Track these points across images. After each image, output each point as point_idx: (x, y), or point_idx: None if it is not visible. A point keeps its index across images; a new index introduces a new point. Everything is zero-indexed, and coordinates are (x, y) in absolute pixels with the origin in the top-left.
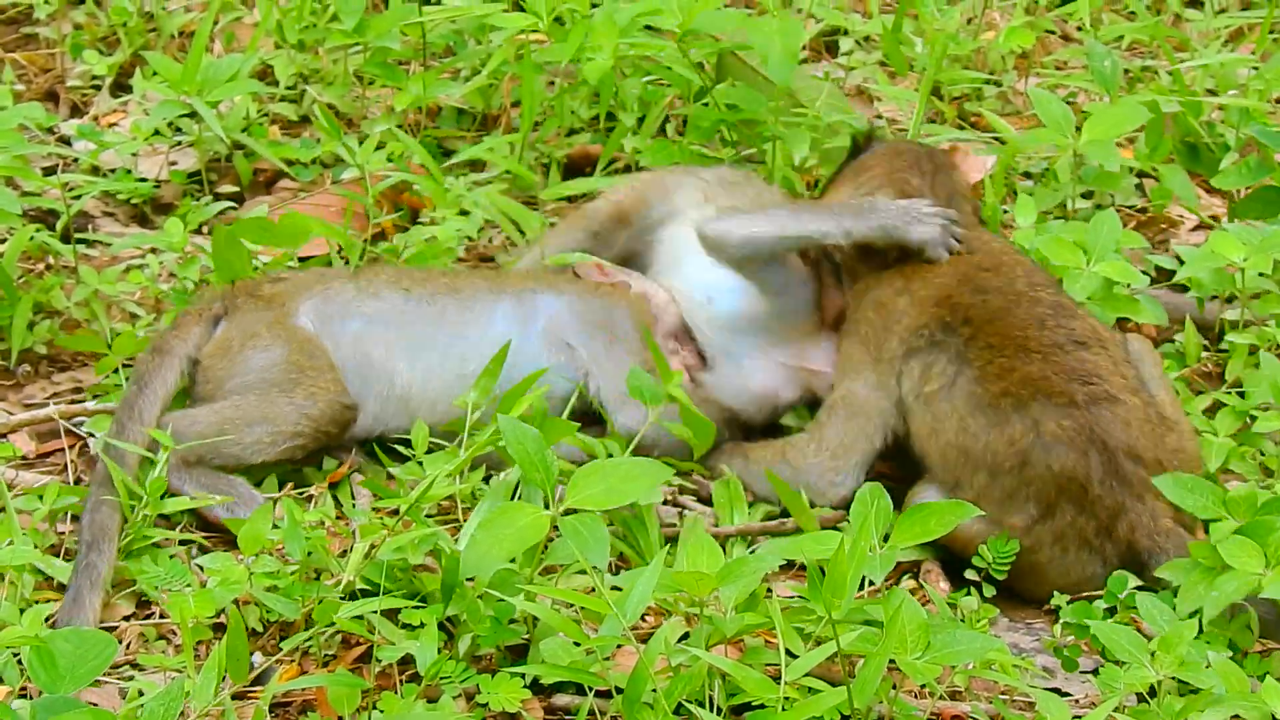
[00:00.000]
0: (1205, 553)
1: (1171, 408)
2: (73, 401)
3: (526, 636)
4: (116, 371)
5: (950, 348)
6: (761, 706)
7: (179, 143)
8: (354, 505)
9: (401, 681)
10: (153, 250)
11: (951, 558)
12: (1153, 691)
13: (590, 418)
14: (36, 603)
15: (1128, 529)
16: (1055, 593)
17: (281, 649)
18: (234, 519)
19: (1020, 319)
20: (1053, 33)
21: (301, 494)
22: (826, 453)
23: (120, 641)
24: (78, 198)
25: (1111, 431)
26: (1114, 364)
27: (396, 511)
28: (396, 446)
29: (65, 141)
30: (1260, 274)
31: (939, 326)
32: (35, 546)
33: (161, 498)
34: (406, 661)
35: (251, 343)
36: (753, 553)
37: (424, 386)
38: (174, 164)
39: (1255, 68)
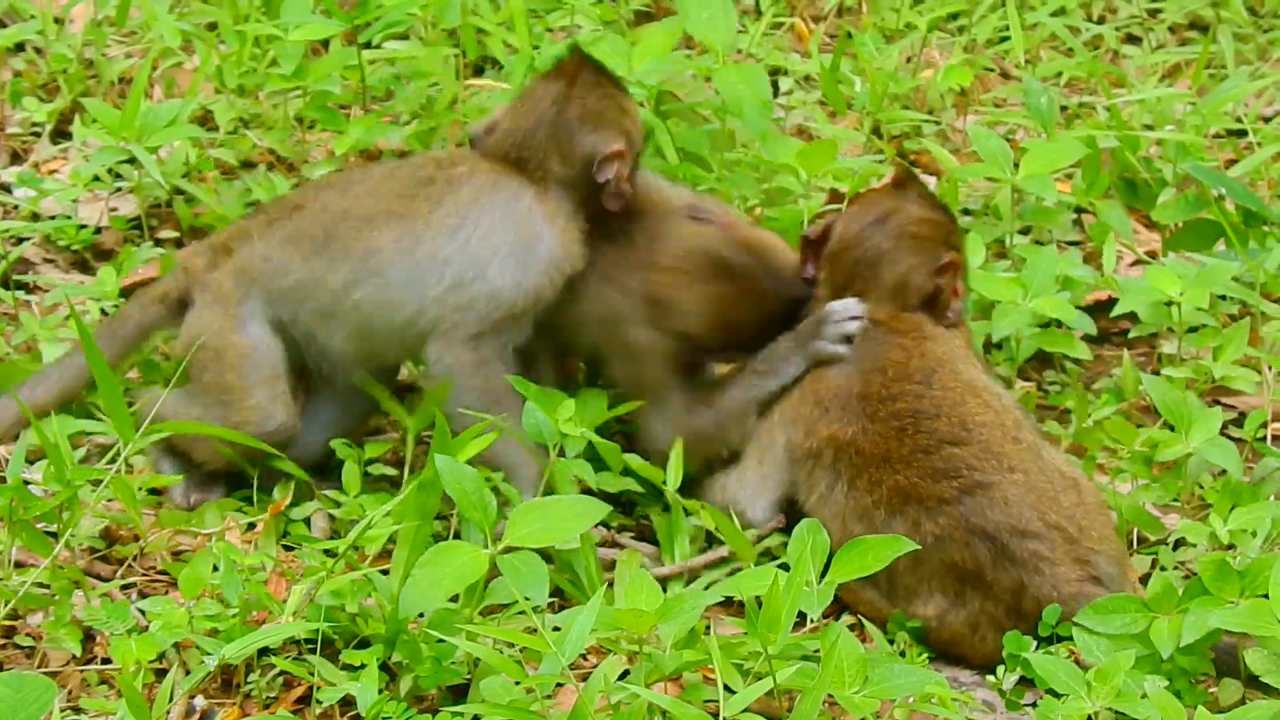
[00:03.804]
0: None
1: (1067, 468)
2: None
3: (467, 676)
4: None
5: (823, 466)
6: None
7: (119, 189)
8: (309, 531)
9: None
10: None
11: None
12: None
13: None
14: None
15: (1034, 603)
16: None
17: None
18: (184, 507)
19: (878, 435)
20: (991, 70)
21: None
22: (741, 490)
23: (63, 687)
24: (18, 244)
25: (990, 517)
26: (987, 451)
27: (333, 553)
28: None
29: (5, 189)
30: (1198, 308)
31: (807, 451)
32: None
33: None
34: (348, 702)
35: (200, 353)
36: (690, 585)
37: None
38: (114, 210)
39: (1192, 103)
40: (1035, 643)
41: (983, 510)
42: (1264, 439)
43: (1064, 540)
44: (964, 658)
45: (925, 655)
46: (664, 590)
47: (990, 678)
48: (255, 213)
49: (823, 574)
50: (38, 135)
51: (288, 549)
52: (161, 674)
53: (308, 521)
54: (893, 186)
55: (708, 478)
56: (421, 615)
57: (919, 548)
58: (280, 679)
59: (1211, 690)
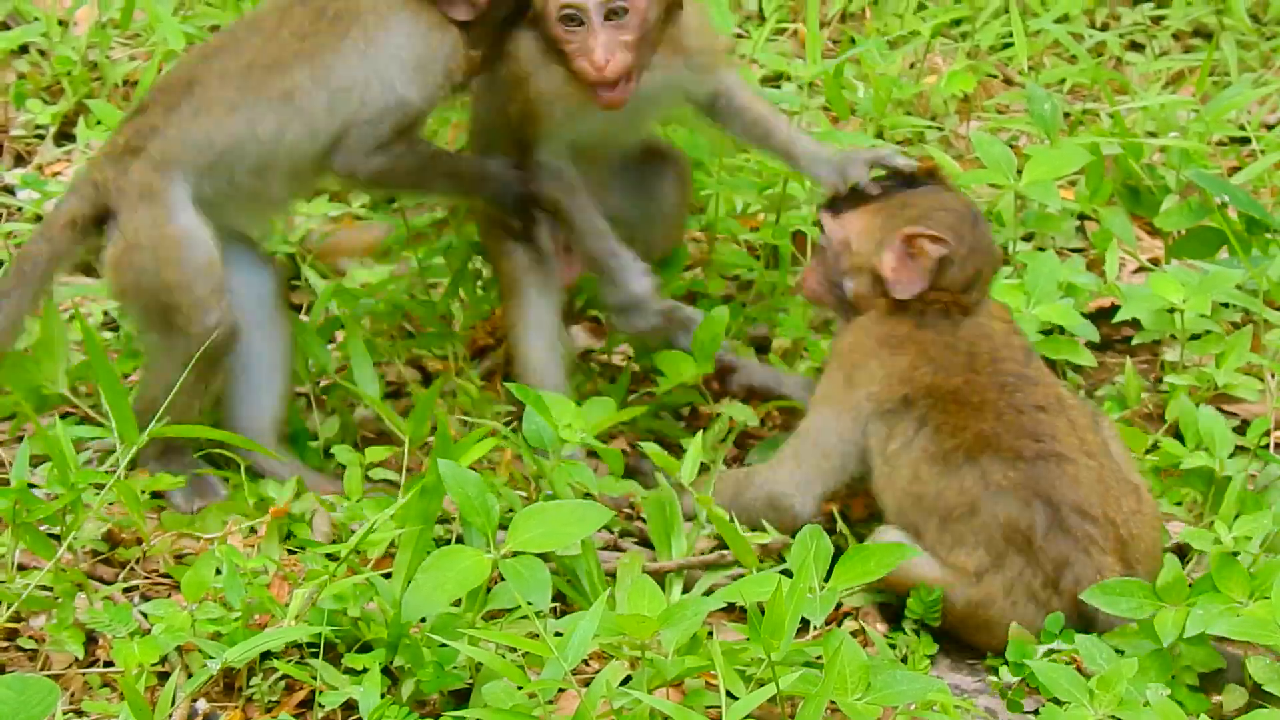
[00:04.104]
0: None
1: (1133, 474)
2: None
3: (470, 681)
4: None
5: (912, 415)
6: None
7: None
8: (311, 534)
9: None
10: (94, 299)
11: (892, 602)
12: None
13: None
14: None
15: (1073, 582)
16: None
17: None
18: (186, 513)
19: (980, 385)
20: (994, 76)
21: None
22: (792, 483)
23: (65, 689)
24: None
25: (1057, 487)
26: (1072, 427)
27: (335, 557)
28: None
29: (9, 191)
30: (1200, 315)
31: (899, 400)
32: None
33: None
34: (350, 707)
35: (137, 257)
36: (692, 590)
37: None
38: None
39: (1195, 110)
40: (1040, 649)
41: (1053, 479)
42: (1267, 446)
43: (1115, 538)
44: (985, 626)
45: (927, 661)
46: (660, 586)
47: (993, 678)
48: (142, 109)
49: (825, 579)
50: (41, 138)
51: (290, 552)
52: (164, 677)
53: (310, 524)
54: (932, 178)
55: (743, 467)
56: (424, 620)
57: (921, 553)
58: (282, 683)
59: (1215, 699)
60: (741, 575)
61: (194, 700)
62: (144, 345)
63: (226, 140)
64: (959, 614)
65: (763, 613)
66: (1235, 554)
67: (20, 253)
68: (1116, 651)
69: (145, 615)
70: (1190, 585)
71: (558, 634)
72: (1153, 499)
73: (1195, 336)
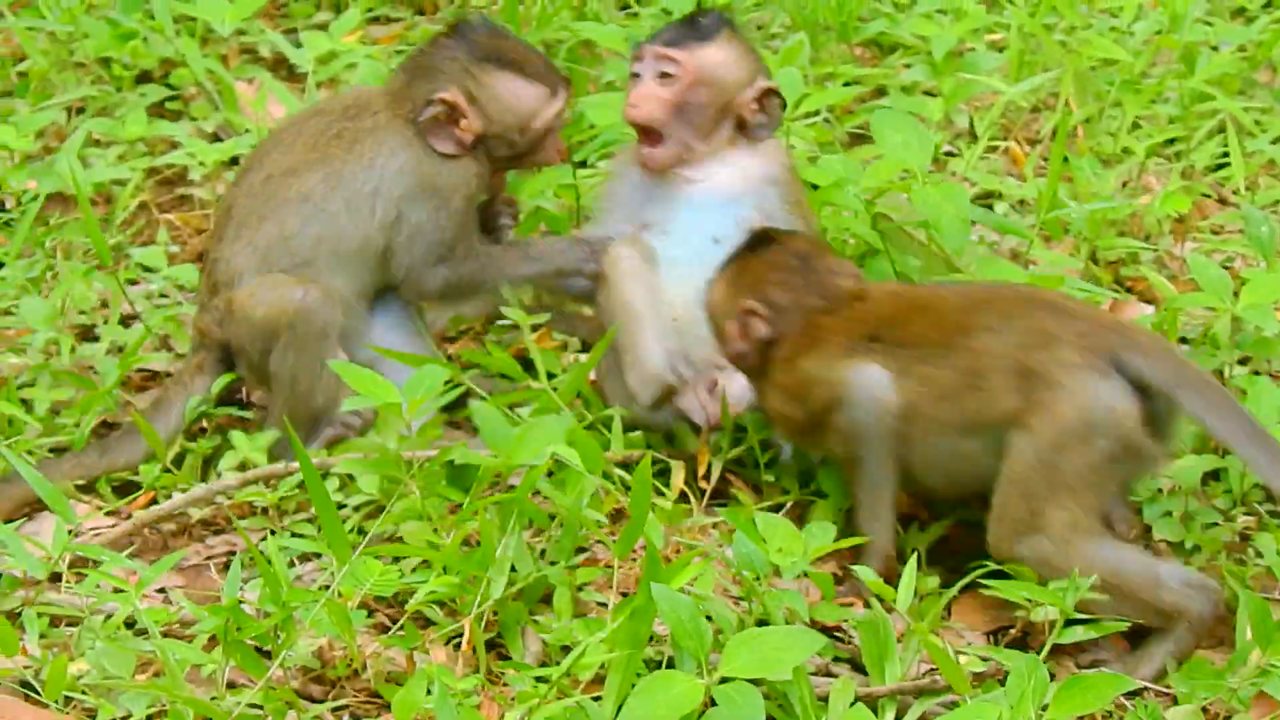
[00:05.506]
0: None
1: None
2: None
3: None
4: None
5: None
6: None
7: None
8: (524, 654)
9: None
10: None
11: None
12: None
13: None
14: None
15: None
16: None
17: None
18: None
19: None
20: (1209, 197)
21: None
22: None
23: None
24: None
25: None
26: None
27: (545, 680)
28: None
29: None
30: None
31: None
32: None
33: None
34: None
35: (263, 328)
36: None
37: None
38: None
39: None
40: None
41: None
42: None
43: None
44: None
45: None
46: (875, 715)
47: None
48: (204, 257)
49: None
50: None
51: (499, 670)
52: None
53: (522, 635)
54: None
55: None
56: None
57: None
58: None
59: None
60: (955, 702)
61: None
62: (279, 377)
63: (266, 245)
64: None
65: None
66: None
67: (159, 398)
68: None
69: None
70: None
71: None
72: None
73: None
